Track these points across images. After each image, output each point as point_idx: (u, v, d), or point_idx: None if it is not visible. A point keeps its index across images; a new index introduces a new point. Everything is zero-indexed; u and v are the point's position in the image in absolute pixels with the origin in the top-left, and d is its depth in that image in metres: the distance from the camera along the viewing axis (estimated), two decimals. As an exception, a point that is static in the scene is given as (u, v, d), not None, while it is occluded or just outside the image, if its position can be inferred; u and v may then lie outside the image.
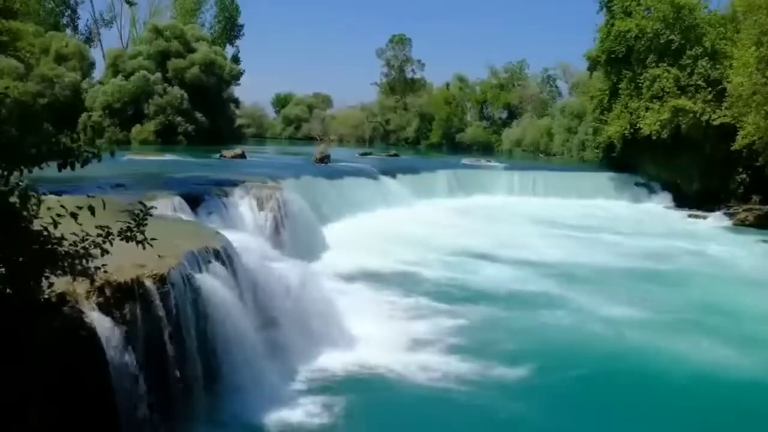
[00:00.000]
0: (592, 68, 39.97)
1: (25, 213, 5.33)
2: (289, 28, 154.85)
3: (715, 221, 30.00)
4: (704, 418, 9.68)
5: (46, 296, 5.92)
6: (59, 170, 5.37)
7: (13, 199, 5.26)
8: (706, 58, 33.05)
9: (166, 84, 51.97)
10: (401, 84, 77.78)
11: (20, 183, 5.27)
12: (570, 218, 28.52)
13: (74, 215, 5.36)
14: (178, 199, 14.69)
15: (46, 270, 5.52)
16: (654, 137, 33.26)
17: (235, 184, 18.12)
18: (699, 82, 32.88)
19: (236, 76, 62.27)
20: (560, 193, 34.70)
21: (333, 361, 10.60)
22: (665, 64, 33.88)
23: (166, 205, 13.69)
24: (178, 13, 69.81)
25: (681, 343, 12.37)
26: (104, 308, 6.84)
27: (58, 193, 5.50)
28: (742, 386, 10.61)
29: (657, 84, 33.73)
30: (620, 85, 36.31)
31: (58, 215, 5.38)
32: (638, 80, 34.81)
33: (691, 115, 32.10)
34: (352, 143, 72.63)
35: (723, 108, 30.99)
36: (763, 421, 9.72)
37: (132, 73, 51.67)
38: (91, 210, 5.36)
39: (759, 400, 10.25)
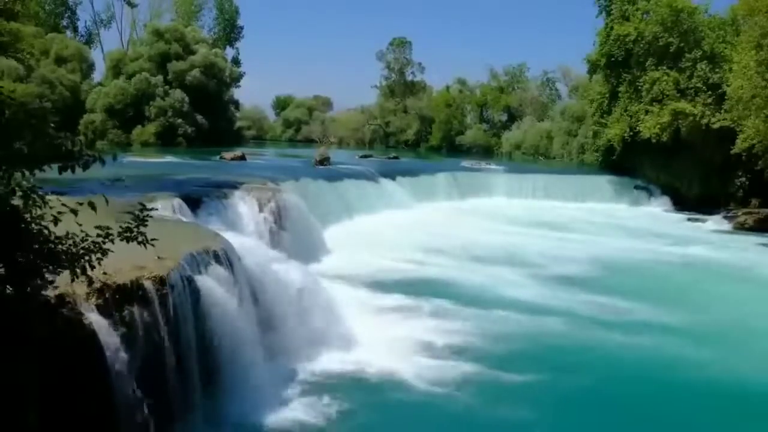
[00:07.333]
0: (591, 71, 40.06)
1: (26, 214, 5.34)
2: (289, 30, 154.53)
3: (714, 224, 30.01)
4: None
5: (46, 297, 5.93)
6: (59, 173, 5.39)
7: (16, 200, 5.27)
8: (706, 61, 33.12)
9: (166, 86, 52.03)
10: (401, 87, 77.57)
11: (22, 184, 5.28)
12: (570, 221, 28.55)
13: (74, 212, 5.38)
14: (178, 201, 14.70)
15: (46, 270, 5.52)
16: (653, 140, 33.31)
17: (235, 186, 18.12)
18: (698, 85, 32.95)
19: (236, 79, 62.25)
20: (560, 196, 34.73)
21: (332, 362, 10.62)
22: (664, 68, 33.96)
23: (166, 207, 13.70)
24: (178, 15, 69.82)
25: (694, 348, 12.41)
26: (103, 310, 6.85)
27: (60, 194, 5.50)
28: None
29: (656, 87, 33.80)
30: (620, 89, 36.41)
31: (59, 213, 5.40)
32: (638, 83, 34.89)
33: (691, 118, 32.15)
34: (352, 146, 72.54)
35: (722, 111, 31.04)
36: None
37: (133, 75, 51.74)
38: (92, 206, 5.38)
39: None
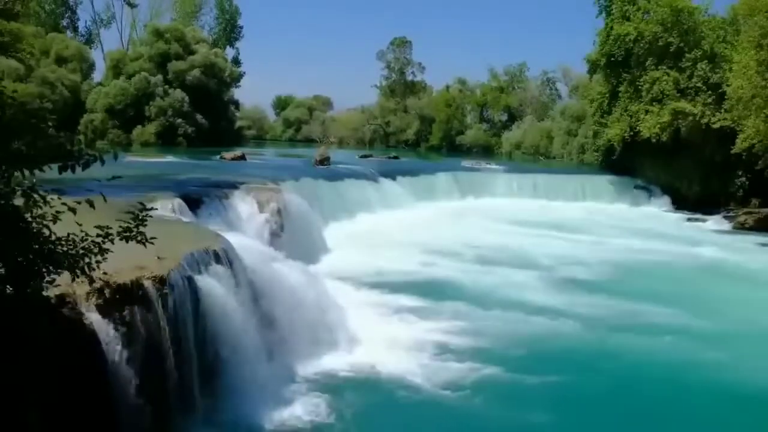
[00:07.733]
0: (592, 71, 40.05)
1: (27, 214, 5.34)
2: (289, 30, 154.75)
3: (714, 224, 30.02)
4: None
5: (46, 297, 5.92)
6: (59, 173, 5.39)
7: (17, 200, 5.27)
8: (706, 60, 33.12)
9: (167, 86, 52.04)
10: (401, 86, 77.62)
11: (22, 183, 5.28)
12: (570, 221, 28.51)
13: (73, 210, 5.39)
14: (178, 201, 14.68)
15: (46, 270, 5.52)
16: (654, 140, 33.30)
17: (235, 186, 18.12)
18: (698, 85, 32.94)
19: (237, 78, 62.25)
20: (560, 196, 34.72)
21: (332, 362, 10.60)
22: (664, 67, 33.95)
23: (166, 207, 13.69)
24: (178, 14, 69.89)
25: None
26: (104, 310, 6.84)
27: (60, 193, 5.49)
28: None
29: (656, 87, 33.79)
30: (620, 88, 36.39)
31: (58, 212, 5.41)
32: (638, 83, 34.87)
33: (691, 117, 32.14)
34: (353, 145, 72.50)
35: (722, 111, 31.04)
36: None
37: (133, 74, 51.75)
38: (90, 203, 5.38)
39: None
